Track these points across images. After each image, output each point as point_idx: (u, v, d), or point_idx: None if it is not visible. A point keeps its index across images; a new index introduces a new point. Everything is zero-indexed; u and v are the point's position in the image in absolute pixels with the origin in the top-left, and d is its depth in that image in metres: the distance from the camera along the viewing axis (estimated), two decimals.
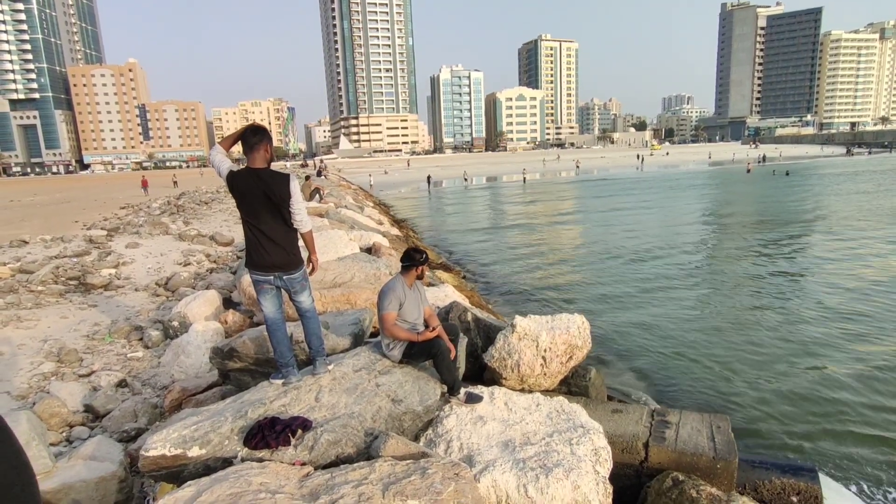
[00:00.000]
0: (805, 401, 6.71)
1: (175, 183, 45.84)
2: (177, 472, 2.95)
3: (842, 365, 7.69)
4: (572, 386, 5.32)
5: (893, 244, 16.33)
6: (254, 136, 3.57)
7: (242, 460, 2.89)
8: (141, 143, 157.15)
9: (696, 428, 4.46)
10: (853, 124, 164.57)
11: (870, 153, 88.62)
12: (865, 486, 5.06)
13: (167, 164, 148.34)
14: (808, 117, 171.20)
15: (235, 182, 3.56)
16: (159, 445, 2.94)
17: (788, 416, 6.35)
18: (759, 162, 67.83)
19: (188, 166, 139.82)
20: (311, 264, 3.96)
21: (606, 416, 4.60)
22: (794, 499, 4.48)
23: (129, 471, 3.66)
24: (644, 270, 14.46)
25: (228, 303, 8.06)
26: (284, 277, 3.71)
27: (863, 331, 9.00)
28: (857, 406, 6.53)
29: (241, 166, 3.69)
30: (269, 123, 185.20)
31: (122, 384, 5.59)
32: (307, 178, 21.98)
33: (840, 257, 15.29)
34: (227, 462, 2.93)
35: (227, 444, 3.02)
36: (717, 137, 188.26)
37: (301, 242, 3.90)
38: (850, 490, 5.01)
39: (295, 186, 3.64)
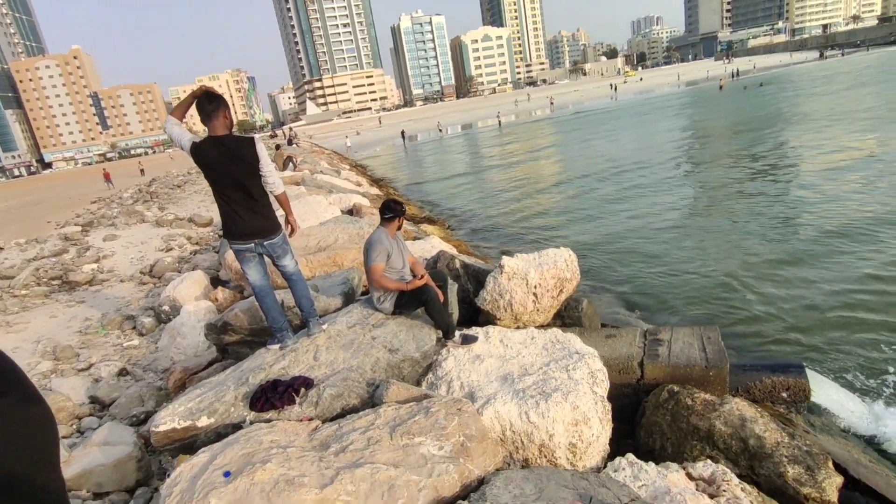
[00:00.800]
0: (790, 301, 6.95)
1: (142, 171, 43.69)
2: (190, 443, 3.03)
3: (819, 262, 7.93)
4: (566, 318, 5.45)
5: (863, 140, 16.54)
6: (209, 103, 3.45)
7: (251, 423, 2.97)
8: (101, 133, 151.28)
9: (688, 341, 4.62)
10: (825, 26, 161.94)
11: (843, 54, 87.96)
12: (848, 375, 5.32)
13: (132, 152, 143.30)
14: (780, 24, 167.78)
15: (200, 154, 3.47)
16: (168, 420, 3.00)
17: (775, 318, 6.59)
18: (733, 77, 67.16)
19: (154, 152, 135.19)
20: (289, 226, 3.93)
21: (601, 341, 4.74)
22: (784, 394, 4.72)
23: (145, 451, 3.74)
24: (622, 197, 14.63)
25: (217, 281, 8.03)
26: (265, 243, 3.69)
27: (839, 229, 9.22)
28: (837, 301, 6.77)
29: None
30: (230, 96, 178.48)
31: (123, 373, 5.63)
32: (278, 147, 21.48)
33: (812, 157, 15.57)
34: (236, 427, 3.01)
35: (234, 411, 3.09)
36: (690, 56, 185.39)
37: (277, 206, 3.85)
38: (834, 381, 5.26)
39: (262, 149, 3.56)
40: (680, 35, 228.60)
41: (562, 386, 3.47)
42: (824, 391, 5.02)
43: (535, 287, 5.03)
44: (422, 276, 4.13)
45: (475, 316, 5.25)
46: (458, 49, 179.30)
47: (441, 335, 4.15)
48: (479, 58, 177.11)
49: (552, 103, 71.72)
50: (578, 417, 3.31)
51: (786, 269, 7.86)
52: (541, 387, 3.50)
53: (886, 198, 10.50)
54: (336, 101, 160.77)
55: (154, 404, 4.80)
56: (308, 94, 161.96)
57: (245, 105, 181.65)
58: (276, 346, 3.83)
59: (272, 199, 3.77)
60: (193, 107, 3.51)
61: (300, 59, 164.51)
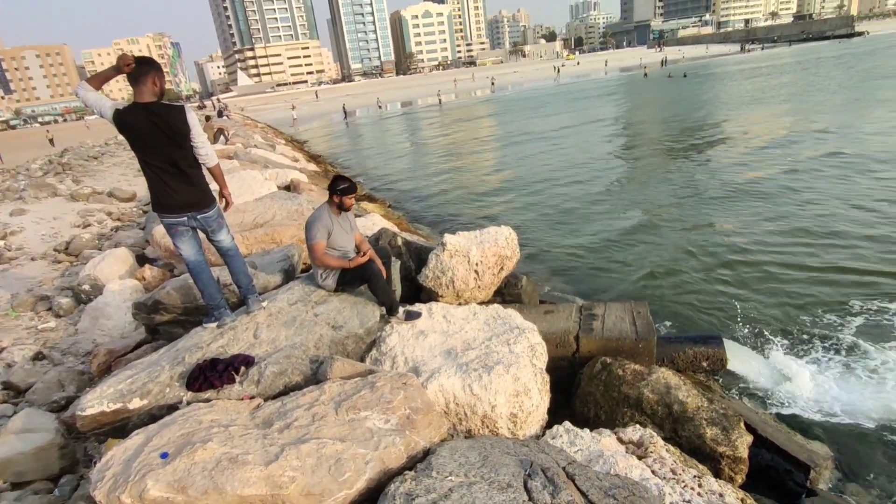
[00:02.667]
0: (713, 275, 7.47)
1: (51, 141, 38.72)
2: (121, 427, 2.89)
3: (739, 238, 8.55)
4: (506, 295, 5.59)
5: (778, 123, 17.86)
6: (139, 66, 3.21)
7: (188, 404, 2.86)
8: (2, 98, 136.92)
9: (620, 316, 4.87)
10: (747, 21, 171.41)
11: (762, 49, 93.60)
12: (759, 344, 5.81)
13: (39, 119, 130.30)
14: (707, 17, 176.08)
15: (125, 121, 3.22)
16: (96, 403, 2.84)
17: (699, 291, 7.08)
18: (662, 64, 70.12)
19: (65, 119, 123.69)
20: (224, 199, 3.76)
21: (540, 317, 4.91)
22: (705, 364, 5.11)
23: (69, 437, 3.52)
24: (559, 176, 15.08)
25: (143, 259, 7.58)
26: (199, 217, 3.50)
27: (757, 205, 9.97)
28: (756, 274, 7.34)
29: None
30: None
31: (38, 357, 5.24)
32: (207, 118, 20.32)
33: (732, 138, 16.71)
34: (172, 408, 2.89)
35: (169, 392, 2.96)
36: (625, 43, 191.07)
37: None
38: (747, 349, 5.73)
39: (193, 118, 3.35)
40: (616, 22, 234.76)
41: (503, 359, 3.59)
42: (739, 359, 5.46)
43: (477, 264, 5.12)
44: (364, 253, 4.10)
45: (417, 293, 5.28)
46: (398, 24, 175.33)
47: (385, 312, 4.15)
48: (419, 34, 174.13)
49: (493, 83, 72.12)
50: (519, 389, 3.44)
51: (709, 245, 8.44)
52: (483, 360, 3.59)
53: (800, 178, 11.43)
54: (270, 73, 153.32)
55: (75, 389, 4.51)
56: (239, 65, 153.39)
57: (170, 73, 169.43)
58: (214, 325, 3.69)
59: (205, 172, 3.58)
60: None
61: (230, 26, 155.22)
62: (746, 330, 6.08)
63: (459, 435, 3.32)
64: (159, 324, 4.35)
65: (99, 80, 3.30)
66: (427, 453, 2.53)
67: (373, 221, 7.61)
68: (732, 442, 3.45)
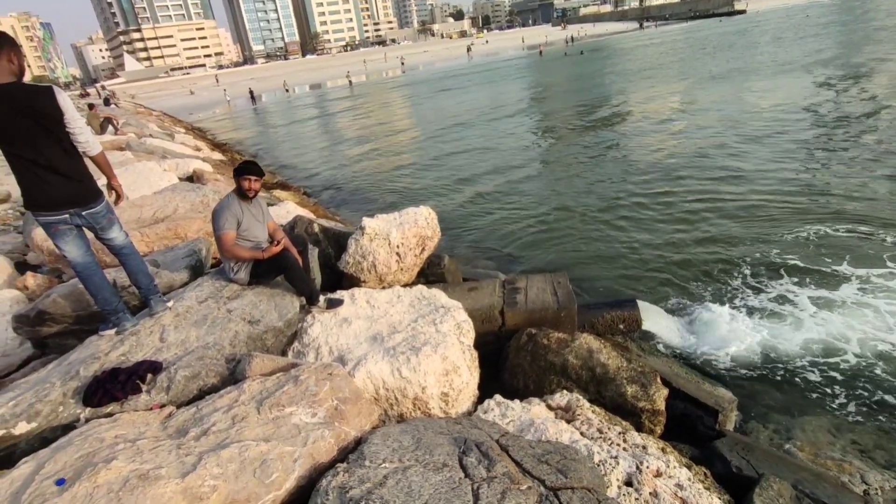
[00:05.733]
0: (625, 242, 7.88)
1: None
2: (5, 457, 2.55)
3: (646, 207, 9.07)
4: (429, 275, 5.57)
5: (675, 96, 19.12)
6: None
7: (87, 421, 2.58)
8: None
9: (542, 287, 5.01)
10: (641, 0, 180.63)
11: (656, 26, 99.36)
12: (668, 303, 6.21)
13: None
14: None
15: None
16: None
17: (614, 258, 7.44)
18: (568, 42, 72.56)
19: None
20: (113, 192, 3.38)
21: (464, 294, 4.93)
22: (621, 326, 5.39)
23: None
24: (474, 154, 15.22)
25: (25, 267, 6.77)
26: (84, 213, 3.10)
27: (661, 174, 10.61)
28: (662, 240, 7.82)
29: None
30: (21, 47, 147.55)
31: None
32: (91, 107, 18.40)
33: (634, 112, 17.62)
34: (68, 429, 2.60)
35: (63, 410, 2.65)
36: (531, 21, 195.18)
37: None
38: (658, 309, 6.11)
39: (65, 99, 2.95)
40: (520, 0, 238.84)
41: (431, 339, 3.56)
42: (651, 319, 5.82)
43: (398, 246, 5.04)
44: (278, 242, 3.88)
45: (339, 280, 5.13)
46: (300, 2, 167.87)
47: (304, 302, 3.97)
48: (324, 13, 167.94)
49: (403, 63, 71.31)
50: (448, 367, 3.43)
51: (620, 215, 8.89)
52: (410, 342, 3.55)
53: (698, 148, 12.27)
54: (162, 56, 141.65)
55: None
56: (125, 47, 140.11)
57: (42, 57, 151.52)
58: (111, 331, 3.33)
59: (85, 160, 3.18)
60: None
61: (109, 5, 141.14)
62: (656, 290, 6.48)
63: (391, 420, 3.26)
64: (48, 336, 3.88)
65: None
66: (359, 442, 2.45)
67: (287, 209, 7.28)
68: (651, 397, 3.66)
